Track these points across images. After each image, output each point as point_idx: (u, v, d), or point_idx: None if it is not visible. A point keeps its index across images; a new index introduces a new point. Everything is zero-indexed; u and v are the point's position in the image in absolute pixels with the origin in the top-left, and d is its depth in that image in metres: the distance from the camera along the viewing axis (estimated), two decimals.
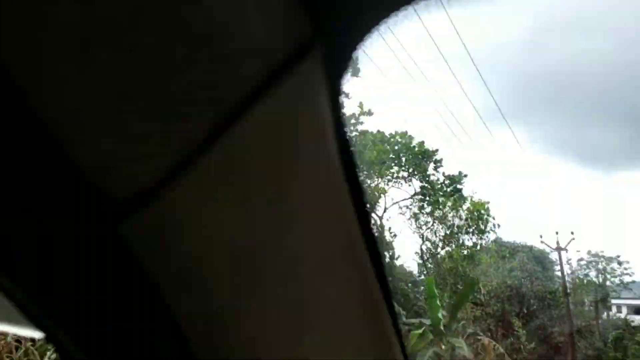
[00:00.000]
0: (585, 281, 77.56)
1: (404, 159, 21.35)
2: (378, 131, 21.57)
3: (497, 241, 34.79)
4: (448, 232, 29.02)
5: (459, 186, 22.13)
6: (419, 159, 21.34)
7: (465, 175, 22.05)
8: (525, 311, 34.06)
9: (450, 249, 28.99)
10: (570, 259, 75.60)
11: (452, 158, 32.60)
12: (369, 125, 21.48)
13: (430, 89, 31.01)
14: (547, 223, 34.25)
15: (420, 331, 15.02)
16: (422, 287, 28.11)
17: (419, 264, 30.44)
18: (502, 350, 18.75)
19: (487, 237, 29.58)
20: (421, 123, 40.44)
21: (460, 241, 29.43)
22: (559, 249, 26.19)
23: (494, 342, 18.60)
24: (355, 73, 17.47)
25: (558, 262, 27.14)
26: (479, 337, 18.68)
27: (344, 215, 0.79)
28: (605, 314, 70.37)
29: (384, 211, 22.88)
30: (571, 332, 26.85)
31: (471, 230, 29.48)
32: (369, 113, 19.45)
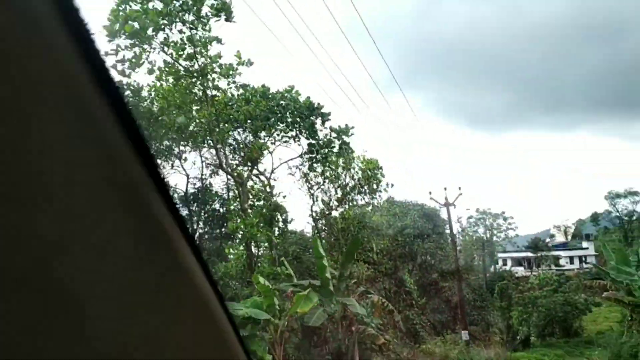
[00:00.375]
0: (474, 237, 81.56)
1: (290, 115, 20.05)
2: (263, 86, 20.09)
3: (390, 200, 34.85)
4: (341, 192, 28.42)
5: (346, 139, 21.24)
6: (305, 114, 20.14)
7: (352, 127, 21.16)
8: (417, 268, 34.58)
9: (343, 210, 28.41)
10: (460, 217, 78.40)
11: (345, 121, 31.58)
12: (251, 78, 20.01)
13: (321, 51, 29.83)
14: (438, 182, 34.63)
15: (304, 292, 14.01)
16: None
17: (312, 226, 29.71)
18: (391, 307, 18.35)
19: (379, 196, 29.24)
20: (312, 85, 39.54)
21: (354, 202, 28.97)
22: (447, 204, 26.34)
23: (383, 300, 18.15)
24: (229, 17, 15.79)
25: (448, 219, 27.31)
26: (369, 295, 18.15)
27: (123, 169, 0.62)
28: (492, 267, 74.69)
29: (272, 172, 21.63)
30: (461, 286, 27.35)
31: (364, 190, 29.09)
32: (249, 63, 17.82)
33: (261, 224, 17.59)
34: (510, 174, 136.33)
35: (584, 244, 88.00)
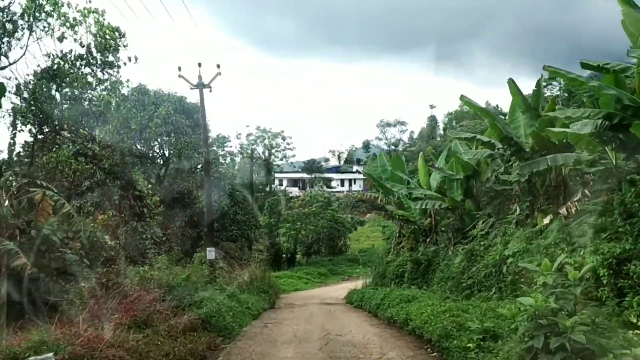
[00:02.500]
0: (253, 154, 75.89)
1: None
2: None
3: (140, 88, 26.75)
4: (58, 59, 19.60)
5: None
6: None
7: None
8: (171, 172, 27.52)
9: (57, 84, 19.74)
10: (239, 134, 72.22)
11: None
12: None
13: None
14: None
15: None
16: None
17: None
18: (69, 209, 11.08)
19: (117, 72, 21.02)
20: None
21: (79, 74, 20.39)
22: (200, 85, 19.34)
23: (58, 198, 10.86)
24: None
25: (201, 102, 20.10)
26: (32, 190, 10.71)
27: None
28: (269, 186, 70.16)
29: None
30: (210, 194, 20.95)
31: (94, 61, 20.71)
32: None
33: None
34: (294, 96, 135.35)
35: (355, 168, 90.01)
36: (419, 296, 15.29)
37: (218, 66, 19.31)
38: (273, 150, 79.95)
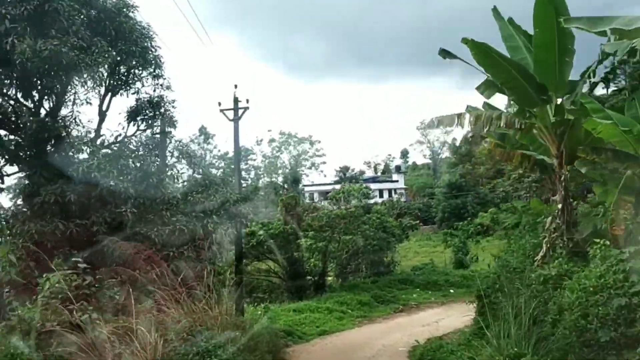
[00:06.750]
0: (277, 164, 59.58)
1: None
2: None
3: None
4: None
5: None
6: None
7: None
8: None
9: None
10: (260, 139, 56.83)
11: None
12: None
13: None
14: None
15: None
16: None
17: None
18: None
19: None
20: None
21: None
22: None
23: None
24: None
25: None
26: None
27: None
28: (302, 201, 54.11)
29: None
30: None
31: None
32: None
33: None
34: (325, 119, 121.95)
35: (394, 177, 74.76)
36: None
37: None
38: (300, 158, 65.72)
